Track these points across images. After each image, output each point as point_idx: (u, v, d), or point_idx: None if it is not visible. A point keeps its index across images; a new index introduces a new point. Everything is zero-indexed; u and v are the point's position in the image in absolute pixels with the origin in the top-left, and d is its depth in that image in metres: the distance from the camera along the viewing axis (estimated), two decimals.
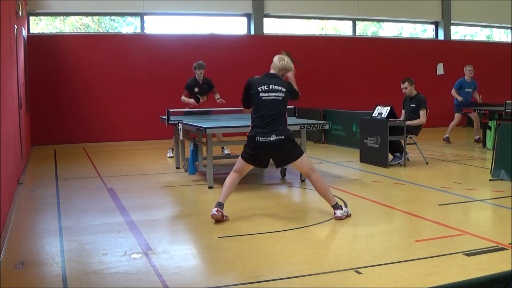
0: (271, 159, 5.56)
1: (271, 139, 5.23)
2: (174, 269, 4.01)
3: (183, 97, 9.39)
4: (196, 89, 9.46)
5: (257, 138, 5.28)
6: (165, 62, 13.23)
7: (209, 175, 7.12)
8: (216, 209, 5.27)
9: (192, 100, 9.34)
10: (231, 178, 5.47)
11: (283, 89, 5.38)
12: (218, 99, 9.49)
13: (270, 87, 5.38)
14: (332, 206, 5.42)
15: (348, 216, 5.41)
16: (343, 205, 5.57)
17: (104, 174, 8.31)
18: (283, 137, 5.26)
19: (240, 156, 5.51)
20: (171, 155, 10.10)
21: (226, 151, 9.97)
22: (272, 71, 5.53)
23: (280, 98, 5.36)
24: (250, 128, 5.43)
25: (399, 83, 9.19)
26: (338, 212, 5.35)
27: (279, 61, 5.51)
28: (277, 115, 5.32)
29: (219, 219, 5.25)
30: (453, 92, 12.21)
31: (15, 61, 7.79)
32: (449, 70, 15.34)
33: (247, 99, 5.51)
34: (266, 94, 5.36)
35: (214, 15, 14.33)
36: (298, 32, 15.40)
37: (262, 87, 5.38)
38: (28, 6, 11.72)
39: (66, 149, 11.70)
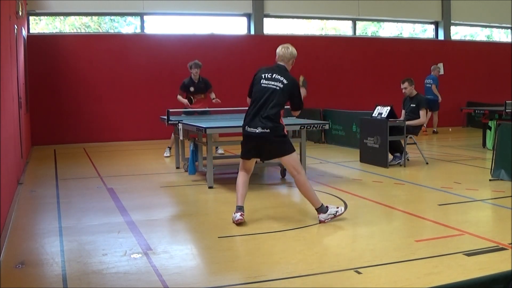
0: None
1: (257, 131, 5.09)
2: (174, 269, 4.01)
3: (178, 97, 9.46)
4: (192, 89, 9.48)
5: (246, 128, 5.20)
6: (165, 62, 13.22)
7: (209, 175, 7.12)
8: (240, 213, 5.13)
9: (186, 101, 9.36)
10: (241, 178, 5.35)
11: (285, 81, 5.15)
12: (213, 99, 9.53)
13: (273, 76, 5.20)
14: (316, 209, 5.21)
15: (338, 215, 5.22)
16: (333, 206, 5.30)
17: (104, 174, 8.31)
18: (268, 130, 5.06)
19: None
20: (168, 154, 10.10)
21: (220, 151, 9.96)
22: (280, 63, 5.32)
23: (278, 88, 5.13)
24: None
25: (399, 83, 9.19)
26: (321, 216, 5.17)
27: (284, 49, 5.30)
28: (269, 105, 5.10)
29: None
30: (436, 89, 13.53)
31: (15, 61, 7.79)
32: (449, 70, 15.34)
33: (251, 88, 5.31)
34: (266, 82, 5.20)
35: (214, 15, 14.33)
36: (298, 32, 15.40)
37: (266, 74, 5.23)
38: (28, 6, 11.71)
39: (66, 149, 11.70)
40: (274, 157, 5.45)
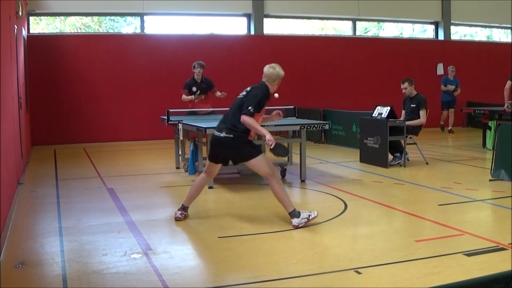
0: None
1: (221, 135, 5.21)
2: (174, 269, 4.01)
3: (183, 96, 9.44)
4: (194, 89, 9.51)
5: (214, 132, 5.36)
6: (165, 62, 13.22)
7: None
8: (180, 212, 5.40)
9: (191, 97, 9.39)
10: (199, 180, 5.51)
11: (247, 89, 5.32)
12: (221, 93, 9.46)
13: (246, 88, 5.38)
14: (288, 213, 5.11)
15: (311, 219, 5.04)
16: (306, 211, 5.12)
17: (104, 174, 8.31)
18: (231, 135, 5.15)
19: None
20: None
21: None
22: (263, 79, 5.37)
23: (241, 96, 5.28)
24: None
25: (399, 83, 9.19)
26: (294, 221, 5.03)
27: (267, 68, 5.35)
28: (233, 113, 5.24)
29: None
30: (442, 87, 14.25)
31: (15, 61, 7.79)
32: None
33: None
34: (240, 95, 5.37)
35: (214, 15, 14.33)
36: (298, 32, 15.40)
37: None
38: (28, 6, 11.71)
39: (66, 149, 11.70)
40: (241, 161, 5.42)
